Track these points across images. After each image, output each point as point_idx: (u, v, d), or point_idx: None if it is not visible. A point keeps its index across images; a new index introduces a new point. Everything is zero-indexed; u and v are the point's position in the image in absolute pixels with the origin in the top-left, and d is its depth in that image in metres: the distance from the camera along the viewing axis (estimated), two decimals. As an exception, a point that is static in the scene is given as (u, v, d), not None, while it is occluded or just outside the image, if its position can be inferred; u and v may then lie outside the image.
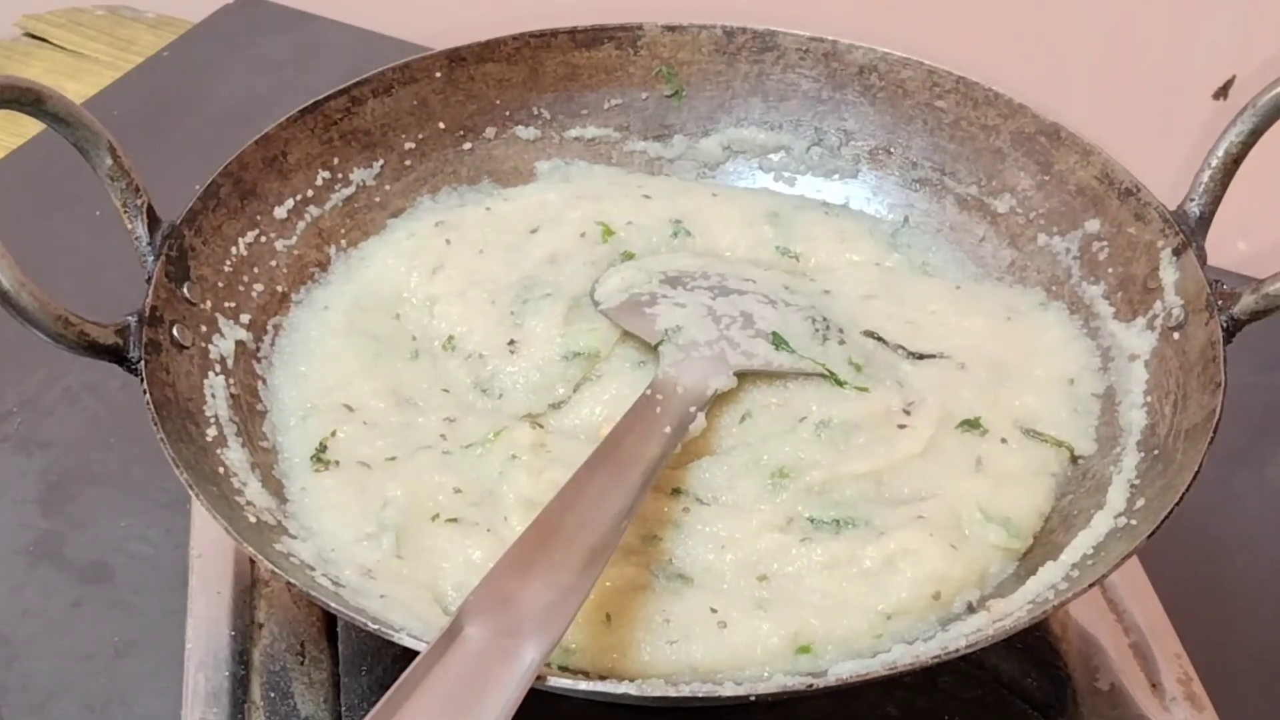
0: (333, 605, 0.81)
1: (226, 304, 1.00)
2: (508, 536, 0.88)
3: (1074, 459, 0.97)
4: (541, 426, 0.97)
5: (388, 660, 0.95)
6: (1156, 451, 0.92)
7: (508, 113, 1.16)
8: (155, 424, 0.87)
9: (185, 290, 0.97)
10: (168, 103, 1.56)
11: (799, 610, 0.86)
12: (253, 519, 0.88)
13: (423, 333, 1.04)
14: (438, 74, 1.13)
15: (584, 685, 0.79)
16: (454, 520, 0.90)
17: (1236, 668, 1.05)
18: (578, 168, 1.17)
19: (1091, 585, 0.82)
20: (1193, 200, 1.00)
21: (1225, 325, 0.94)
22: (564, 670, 0.83)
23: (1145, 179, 1.04)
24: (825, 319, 1.02)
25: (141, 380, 0.89)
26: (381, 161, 1.12)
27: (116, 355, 0.90)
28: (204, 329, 0.97)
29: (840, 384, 0.98)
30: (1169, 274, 0.99)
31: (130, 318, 0.92)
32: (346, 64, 1.36)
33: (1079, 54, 1.43)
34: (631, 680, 0.82)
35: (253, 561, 1.00)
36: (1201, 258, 0.98)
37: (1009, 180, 1.10)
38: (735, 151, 1.19)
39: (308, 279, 1.06)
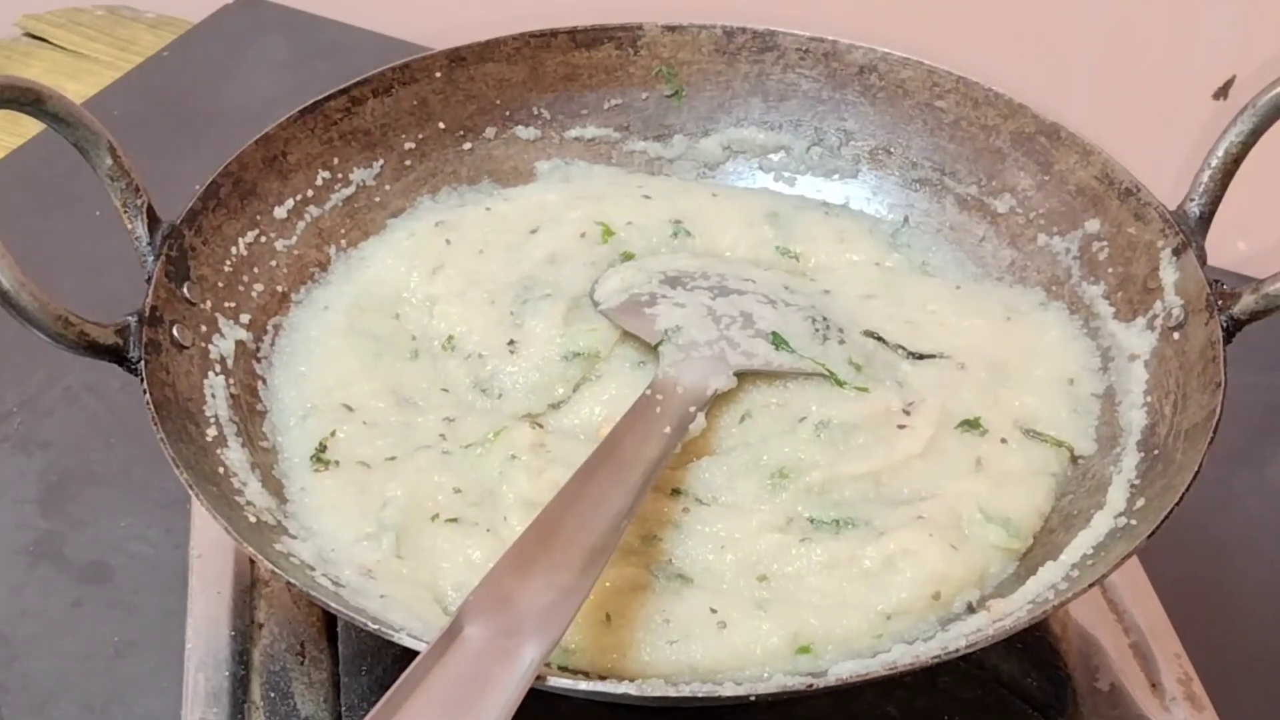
0: (333, 605, 0.81)
1: (226, 304, 1.00)
2: (507, 536, 0.88)
3: (1074, 459, 0.97)
4: (541, 426, 0.97)
5: (388, 660, 0.95)
6: (1156, 451, 0.92)
7: (508, 113, 1.16)
8: (155, 424, 0.87)
9: (185, 290, 0.97)
10: (168, 103, 1.56)
11: (799, 610, 0.86)
12: (253, 519, 0.88)
13: (422, 333, 1.04)
14: (438, 74, 1.13)
15: (584, 685, 0.79)
16: (454, 520, 0.90)
17: (1236, 668, 1.05)
18: (578, 168, 1.17)
19: (1091, 585, 0.82)
20: (1193, 200, 1.00)
21: (1225, 325, 0.94)
22: (564, 670, 0.83)
23: (1145, 179, 1.04)
24: (825, 319, 1.02)
25: (141, 380, 0.89)
26: (381, 161, 1.12)
27: (116, 355, 0.90)
28: (204, 329, 0.97)
29: (840, 384, 0.98)
30: (1169, 274, 0.99)
31: (130, 318, 0.92)
32: (346, 64, 1.36)
33: (1079, 54, 1.43)
34: (631, 680, 0.82)
35: (253, 561, 1.00)
36: (1201, 258, 0.98)
37: (1009, 180, 1.10)
38: (735, 151, 1.19)
39: (308, 279, 1.06)
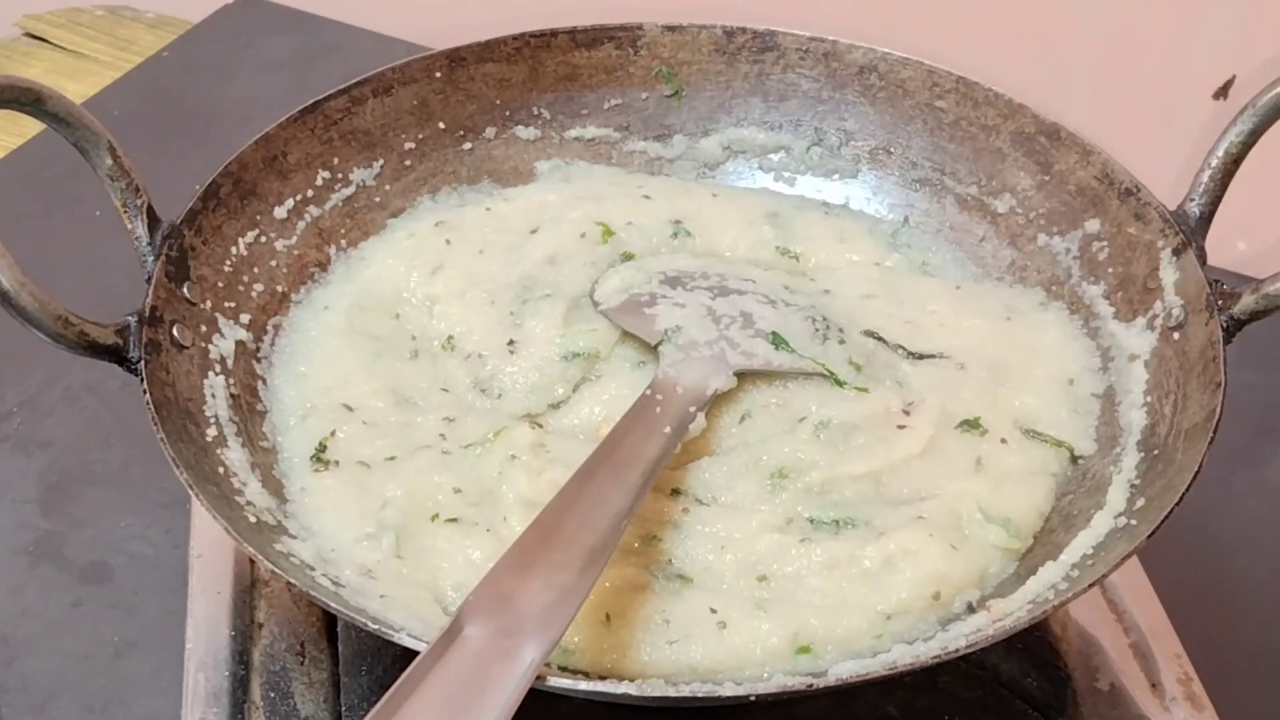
0: (333, 605, 0.81)
1: (226, 304, 1.00)
2: (507, 536, 0.88)
3: (1074, 459, 0.97)
4: (541, 426, 0.97)
5: (388, 660, 0.95)
6: (1156, 451, 0.92)
7: (508, 113, 1.16)
8: (155, 424, 0.87)
9: (185, 290, 0.97)
10: (168, 103, 1.56)
11: (799, 610, 0.86)
12: (253, 519, 0.88)
13: (422, 333, 1.04)
14: (438, 74, 1.13)
15: (584, 685, 0.79)
16: (454, 520, 0.90)
17: (1236, 668, 1.05)
18: (578, 168, 1.17)
19: (1091, 585, 0.82)
20: (1193, 200, 1.00)
21: (1225, 325, 0.94)
22: (564, 670, 0.83)
23: (1145, 179, 1.04)
24: (825, 319, 1.02)
25: (141, 380, 0.89)
26: (381, 161, 1.12)
27: (116, 355, 0.90)
28: (204, 329, 0.97)
29: (840, 384, 0.98)
30: (1169, 274, 0.99)
31: (130, 318, 0.92)
32: (346, 64, 1.36)
33: (1079, 54, 1.43)
34: (631, 680, 0.82)
35: (253, 561, 1.00)
36: (1201, 258, 0.98)
37: (1009, 180, 1.10)
38: (735, 151, 1.19)
39: (308, 279, 1.06)
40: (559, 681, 0.78)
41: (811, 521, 0.91)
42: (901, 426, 0.96)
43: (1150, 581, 1.04)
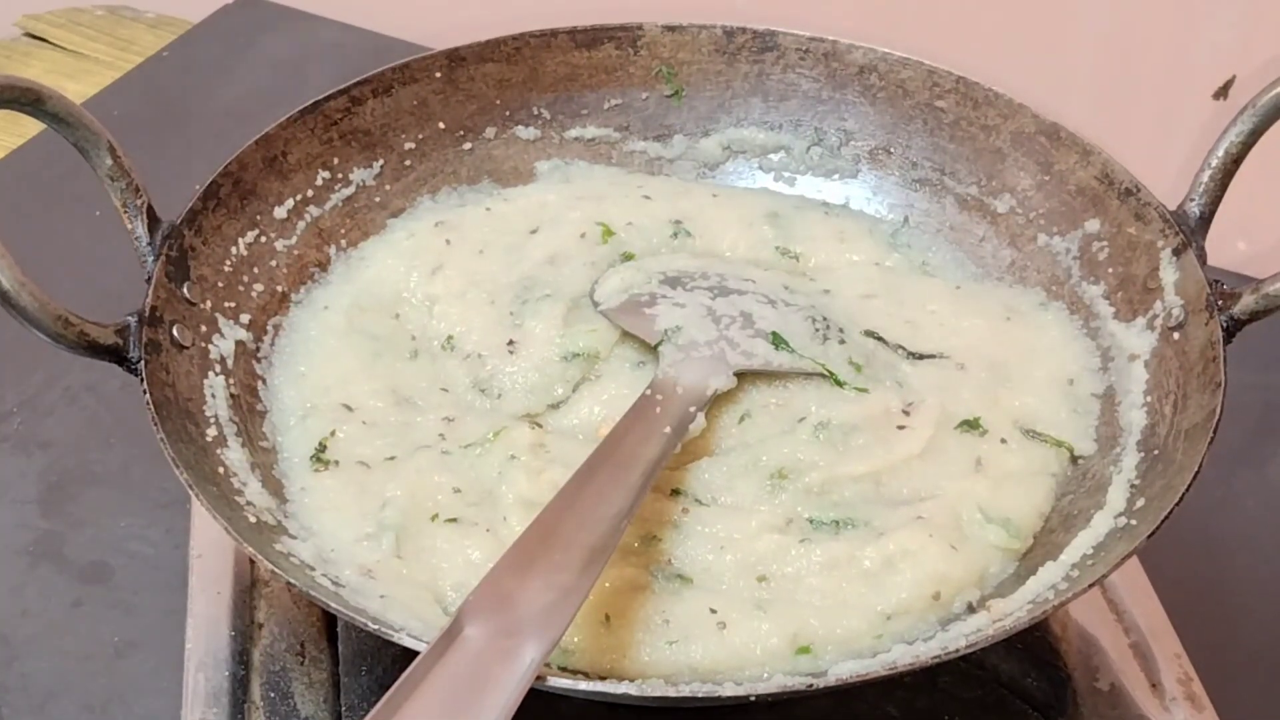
0: (333, 605, 0.81)
1: (226, 304, 1.00)
2: (507, 537, 0.88)
3: (1074, 459, 0.97)
4: (541, 427, 0.97)
5: (388, 660, 0.95)
6: (1156, 451, 0.92)
7: (508, 113, 1.16)
8: (155, 424, 0.87)
9: (185, 290, 0.97)
10: (168, 103, 1.56)
11: (799, 611, 0.86)
12: (253, 519, 0.88)
13: (422, 333, 1.04)
14: (438, 74, 1.13)
15: (584, 685, 0.79)
16: (453, 520, 0.90)
17: (1236, 668, 1.05)
18: (578, 168, 1.17)
19: (1091, 585, 0.82)
20: (1193, 200, 1.00)
21: (1225, 325, 0.94)
22: (564, 670, 0.83)
23: (1145, 179, 1.04)
24: (825, 319, 1.02)
25: (141, 380, 0.89)
26: (381, 161, 1.12)
27: (116, 355, 0.90)
28: (204, 329, 0.97)
29: (840, 384, 0.98)
30: (1169, 274, 0.99)
31: (130, 318, 0.92)
32: (346, 64, 1.36)
33: (1079, 54, 1.43)
34: (631, 680, 0.82)
35: (253, 561, 1.00)
36: (1201, 258, 0.98)
37: (1009, 180, 1.10)
38: (735, 151, 1.19)
39: (308, 279, 1.06)
40: (559, 681, 0.78)
41: (811, 522, 0.91)
42: (901, 427, 0.96)
43: (1150, 581, 1.04)
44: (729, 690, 0.79)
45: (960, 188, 1.13)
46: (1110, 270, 1.04)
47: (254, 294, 1.02)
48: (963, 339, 1.03)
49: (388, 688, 0.71)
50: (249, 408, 0.97)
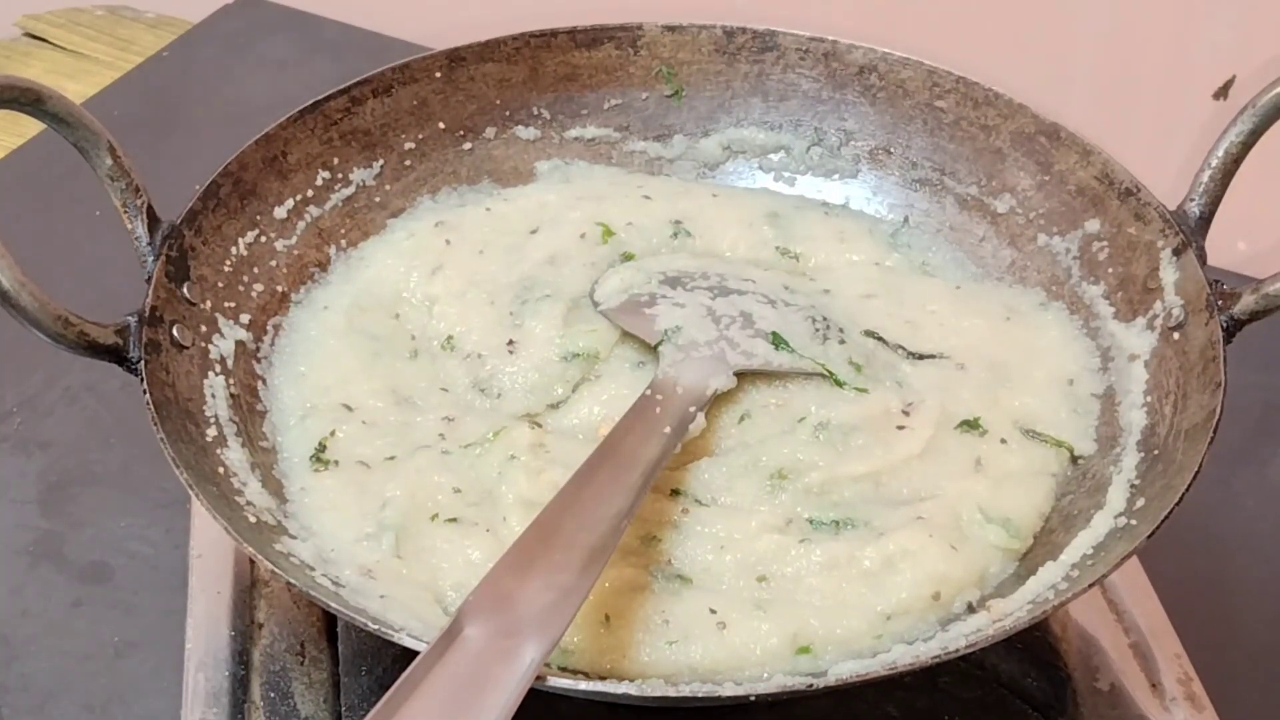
0: (333, 605, 0.81)
1: (226, 304, 1.00)
2: (506, 537, 0.88)
3: (1074, 459, 0.97)
4: (540, 427, 0.97)
5: (388, 660, 0.95)
6: (1156, 451, 0.92)
7: (508, 113, 1.16)
8: (155, 424, 0.87)
9: (185, 290, 0.97)
10: (168, 103, 1.56)
11: (798, 611, 0.86)
12: (253, 519, 0.88)
13: (422, 332, 1.04)
14: (438, 74, 1.13)
15: (584, 685, 0.79)
16: (453, 520, 0.90)
17: (1236, 668, 1.05)
18: (578, 168, 1.17)
19: (1091, 585, 0.82)
20: (1193, 200, 1.00)
21: (1225, 325, 0.94)
22: (564, 670, 0.83)
23: (1145, 179, 1.04)
24: (825, 319, 1.02)
25: (141, 380, 0.89)
26: (381, 161, 1.12)
27: (116, 355, 0.90)
28: (204, 329, 0.97)
29: (840, 384, 0.98)
30: (1169, 274, 0.99)
31: (130, 318, 0.92)
32: (346, 64, 1.36)
33: (1079, 54, 1.43)
34: (631, 680, 0.82)
35: (253, 561, 1.00)
36: (1201, 258, 0.98)
37: (1009, 180, 1.10)
38: (735, 151, 1.19)
39: (308, 279, 1.06)
40: (559, 681, 0.78)
41: (811, 522, 0.91)
42: (901, 427, 0.96)
43: (1150, 581, 1.04)
44: (729, 690, 0.79)
45: (960, 188, 1.13)
46: (1110, 270, 1.04)
47: (254, 294, 1.02)
48: (963, 339, 1.03)
49: (388, 688, 0.71)
50: (249, 408, 0.97)
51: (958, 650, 0.79)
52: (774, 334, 1.00)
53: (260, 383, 0.99)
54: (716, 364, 0.97)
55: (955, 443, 0.95)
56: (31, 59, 1.66)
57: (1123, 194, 1.04)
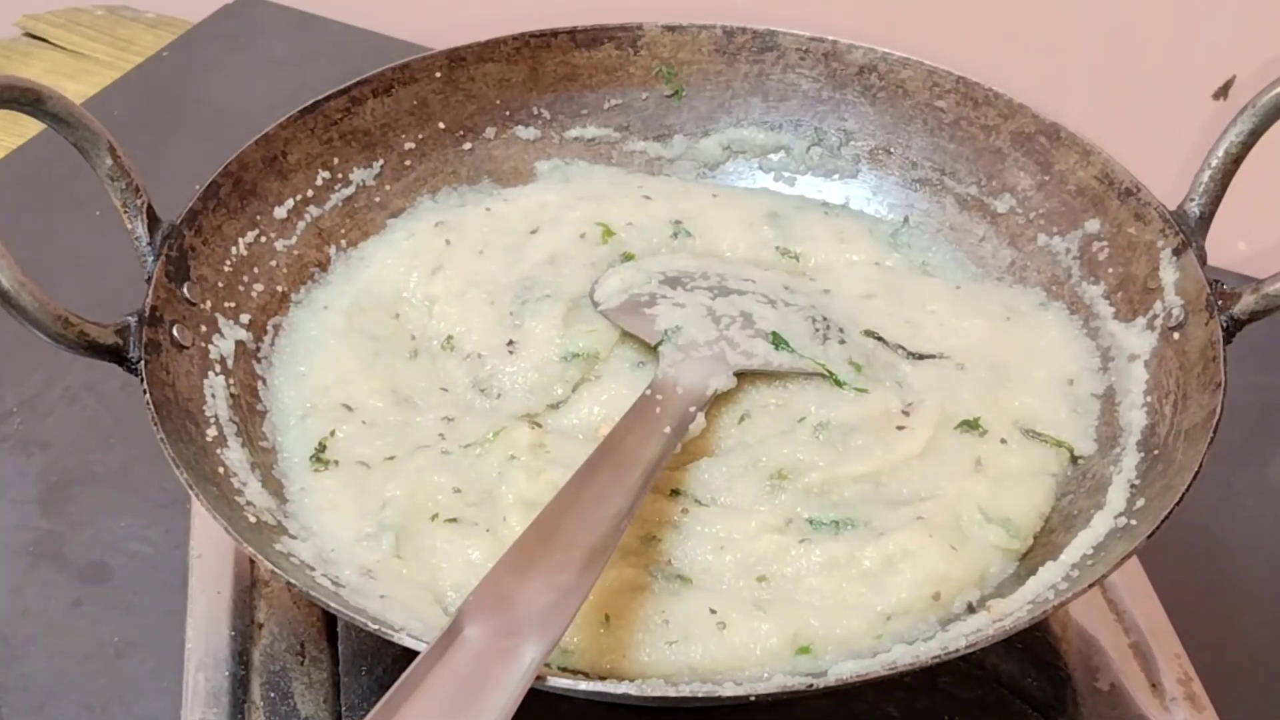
0: (333, 605, 0.81)
1: (226, 304, 1.00)
2: (506, 537, 0.88)
3: (1074, 459, 0.97)
4: (540, 427, 0.97)
5: (388, 660, 0.95)
6: (1156, 451, 0.92)
7: (508, 113, 1.16)
8: (155, 424, 0.87)
9: (185, 290, 0.97)
10: (168, 103, 1.56)
11: (798, 611, 0.86)
12: (253, 519, 0.88)
13: (422, 332, 1.04)
14: (438, 74, 1.13)
15: (584, 685, 0.79)
16: (453, 520, 0.90)
17: (1236, 668, 1.05)
18: (578, 168, 1.17)
19: (1091, 585, 0.82)
20: (1193, 200, 1.00)
21: (1225, 325, 0.94)
22: (564, 670, 0.83)
23: (1145, 179, 1.04)
24: (825, 319, 1.02)
25: (141, 380, 0.89)
26: (381, 161, 1.12)
27: (116, 355, 0.90)
28: (204, 329, 0.97)
29: (840, 384, 0.98)
30: (1169, 274, 0.99)
31: (130, 318, 0.92)
32: (346, 64, 1.36)
33: (1079, 54, 1.43)
34: (631, 681, 0.82)
35: (253, 561, 1.00)
36: (1201, 258, 0.98)
37: (1009, 180, 1.10)
38: (735, 151, 1.19)
39: (308, 279, 1.06)
40: (559, 681, 0.78)
41: (811, 522, 0.91)
42: (901, 427, 0.96)
43: (1150, 581, 1.04)
44: (729, 690, 0.79)
45: (960, 188, 1.13)
46: (1110, 270, 1.04)
47: (254, 294, 1.02)
48: (963, 339, 1.03)
49: (388, 688, 0.71)
50: (249, 408, 0.97)
51: (958, 650, 0.79)
52: (774, 334, 1.00)
53: (260, 383, 0.99)
54: (716, 364, 0.97)
55: (955, 443, 0.95)
56: (31, 59, 1.66)
57: (1123, 194, 1.04)
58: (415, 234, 1.09)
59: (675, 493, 0.93)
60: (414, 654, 0.74)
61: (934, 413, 0.96)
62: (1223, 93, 1.37)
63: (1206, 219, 0.99)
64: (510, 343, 1.01)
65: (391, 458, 0.95)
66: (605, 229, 1.09)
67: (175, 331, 0.94)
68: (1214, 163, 0.99)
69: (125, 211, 0.95)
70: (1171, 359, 0.96)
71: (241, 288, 1.02)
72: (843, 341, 1.01)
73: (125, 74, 1.60)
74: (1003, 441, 0.95)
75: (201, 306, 0.98)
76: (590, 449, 0.88)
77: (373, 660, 0.95)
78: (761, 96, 1.17)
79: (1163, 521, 0.84)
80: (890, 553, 0.88)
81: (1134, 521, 0.88)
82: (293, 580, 0.81)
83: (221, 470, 0.90)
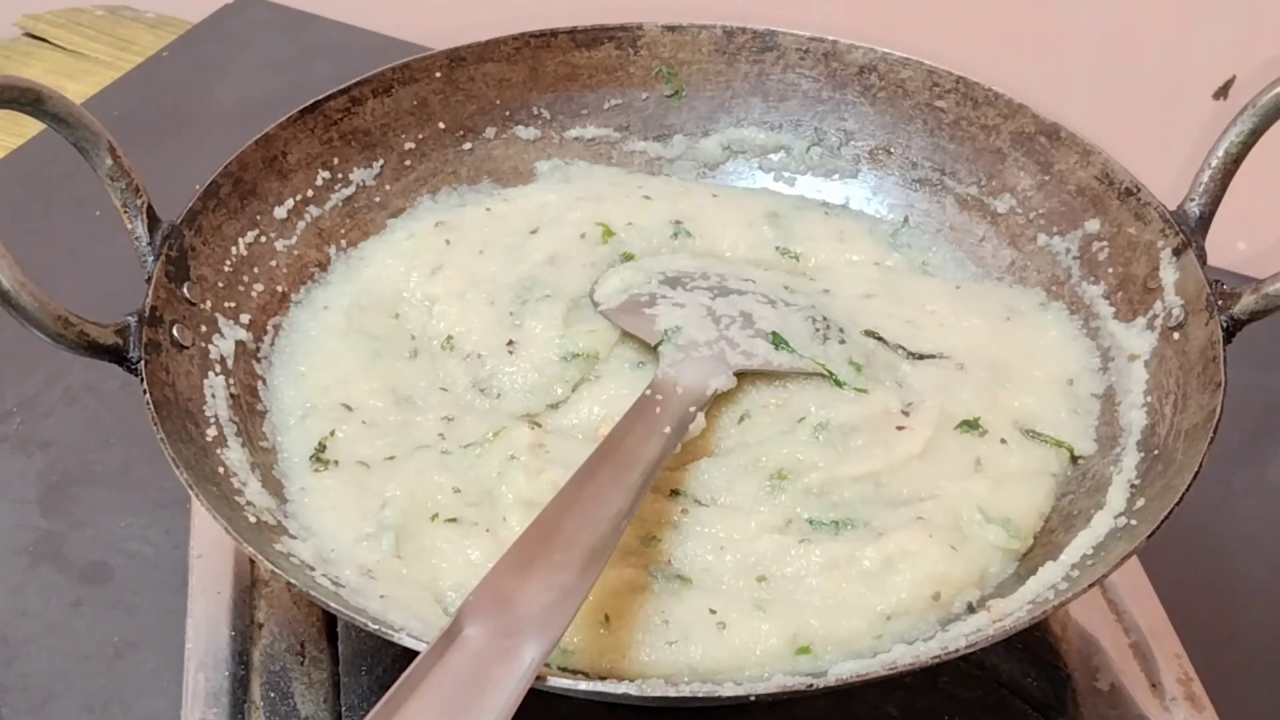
0: (333, 605, 0.81)
1: (226, 304, 1.00)
2: (506, 537, 0.88)
3: (1074, 459, 0.97)
4: (540, 427, 0.97)
5: (388, 660, 0.95)
6: (1156, 451, 0.92)
7: (508, 113, 1.16)
8: (155, 424, 0.87)
9: (185, 290, 0.97)
10: (168, 103, 1.56)
11: (798, 611, 0.86)
12: (253, 519, 0.88)
13: (422, 332, 1.05)
14: (438, 74, 1.13)
15: (584, 685, 0.79)
16: (453, 520, 0.90)
17: (1236, 668, 1.05)
18: (578, 168, 1.17)
19: (1091, 585, 0.82)
20: (1193, 200, 1.00)
21: (1225, 325, 0.94)
22: (564, 671, 0.83)
23: (1145, 179, 1.04)
24: (825, 319, 1.02)
25: (141, 380, 0.89)
26: (381, 161, 1.12)
27: (116, 355, 0.90)
28: (204, 329, 0.97)
29: (840, 384, 0.98)
30: (1169, 274, 0.99)
31: (130, 318, 0.92)
32: (346, 64, 1.36)
33: (1079, 54, 1.43)
34: (631, 681, 0.82)
35: (253, 561, 1.00)
36: (1201, 258, 0.98)
37: (1009, 180, 1.10)
38: (735, 151, 1.19)
39: (307, 279, 1.06)
40: (559, 681, 0.78)
41: (811, 522, 0.91)
42: (901, 427, 0.96)
43: (1150, 581, 1.04)
44: (729, 690, 0.79)
45: (960, 188, 1.13)
46: (1110, 270, 1.04)
47: (254, 294, 1.02)
48: (963, 339, 1.03)
49: (388, 688, 0.71)
50: (249, 408, 0.97)
51: (958, 650, 0.79)
52: (774, 334, 1.00)
53: (260, 383, 0.99)
54: (716, 364, 0.97)
55: (955, 443, 0.95)
56: (31, 59, 1.66)
57: (1123, 194, 1.04)
58: (415, 234, 1.09)
59: (675, 493, 0.93)
60: (414, 654, 0.74)
61: (934, 413, 0.96)
62: (1223, 93, 1.37)
63: (1206, 219, 0.99)
64: (510, 343, 1.01)
65: (391, 458, 0.95)
66: (605, 229, 1.09)
67: (175, 331, 0.94)
68: (1214, 163, 0.99)
69: (125, 211, 0.95)
70: (1171, 359, 0.96)
71: (241, 288, 1.02)
72: (843, 341, 1.01)
73: (125, 74, 1.60)
74: (1003, 441, 0.95)
75: (201, 306, 0.98)
76: (590, 449, 0.88)
77: (373, 660, 0.95)
78: (761, 96, 1.17)
79: (1163, 521, 0.84)
80: (890, 553, 0.88)
81: (1134, 521, 0.88)
82: (293, 580, 0.81)
83: (221, 470, 0.90)
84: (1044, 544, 0.92)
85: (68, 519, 1.12)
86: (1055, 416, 0.98)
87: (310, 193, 1.08)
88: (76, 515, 1.12)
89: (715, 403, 0.96)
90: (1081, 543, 0.88)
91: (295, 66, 1.61)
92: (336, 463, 0.94)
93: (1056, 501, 0.94)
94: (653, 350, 0.99)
